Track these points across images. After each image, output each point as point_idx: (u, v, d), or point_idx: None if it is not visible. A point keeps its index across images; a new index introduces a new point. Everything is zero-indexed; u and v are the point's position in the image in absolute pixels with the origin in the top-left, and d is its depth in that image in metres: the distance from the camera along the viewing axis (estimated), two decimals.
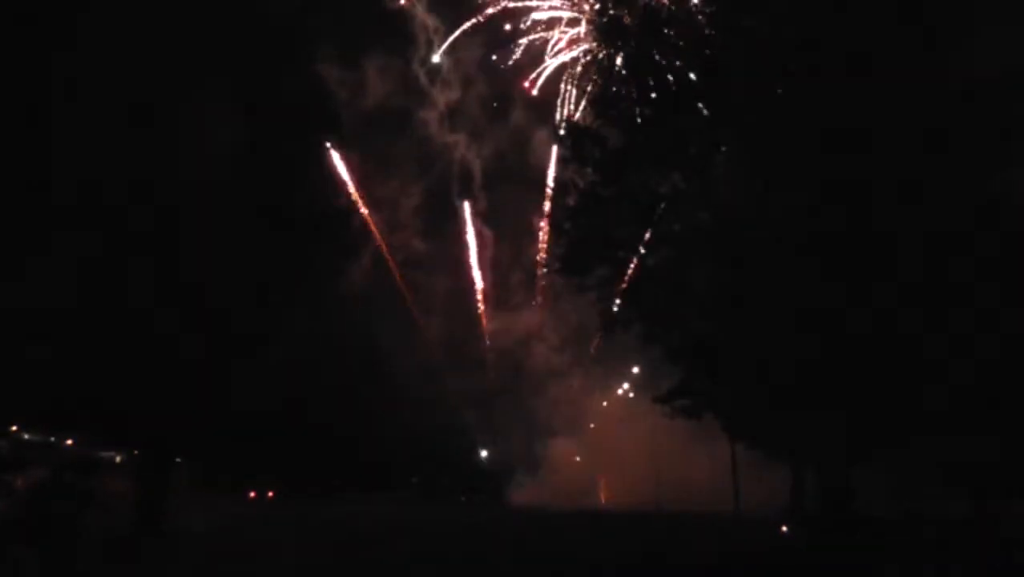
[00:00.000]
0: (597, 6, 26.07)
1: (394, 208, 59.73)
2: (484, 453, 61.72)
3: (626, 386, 54.61)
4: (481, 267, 61.35)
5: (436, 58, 56.78)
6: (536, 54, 54.87)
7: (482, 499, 55.70)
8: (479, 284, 60.77)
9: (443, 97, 59.29)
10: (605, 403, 56.22)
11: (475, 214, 60.52)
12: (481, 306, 61.54)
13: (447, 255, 61.21)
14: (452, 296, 61.10)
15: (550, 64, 54.98)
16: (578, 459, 56.44)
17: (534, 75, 55.01)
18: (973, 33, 17.73)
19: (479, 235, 61.05)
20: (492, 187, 60.54)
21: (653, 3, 22.71)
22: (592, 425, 57.34)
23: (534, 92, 55.07)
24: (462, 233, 61.35)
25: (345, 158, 53.28)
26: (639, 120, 22.38)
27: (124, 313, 22.02)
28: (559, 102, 54.51)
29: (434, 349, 59.41)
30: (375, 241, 58.55)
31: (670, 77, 22.14)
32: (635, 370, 51.58)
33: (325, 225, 26.98)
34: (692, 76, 21.73)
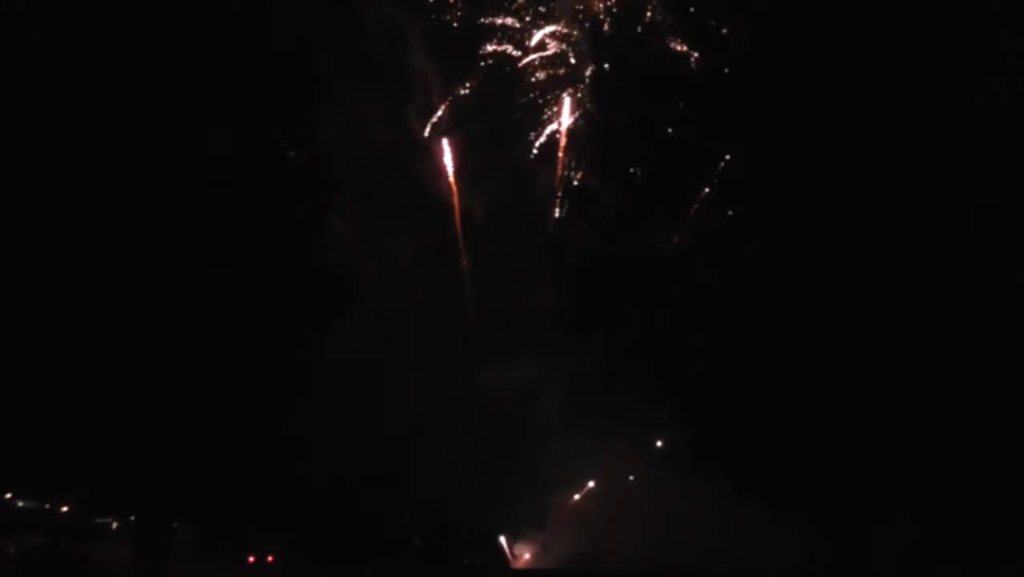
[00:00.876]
0: (594, 67, 26.52)
1: (391, 262, 59.41)
2: (486, 512, 60.22)
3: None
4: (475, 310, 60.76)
5: (429, 126, 57.16)
6: (536, 110, 55.47)
7: (485, 563, 54.54)
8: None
9: (439, 143, 59.38)
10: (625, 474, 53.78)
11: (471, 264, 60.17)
12: (474, 352, 60.66)
13: (444, 308, 60.90)
14: (449, 348, 60.54)
15: (550, 125, 55.49)
16: (588, 516, 54.76)
17: (532, 136, 55.58)
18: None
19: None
20: (491, 234, 60.29)
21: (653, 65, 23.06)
22: (601, 480, 55.70)
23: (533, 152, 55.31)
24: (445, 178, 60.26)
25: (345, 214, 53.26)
26: (639, 180, 22.59)
27: (121, 376, 21.89)
28: (559, 161, 54.86)
29: (430, 403, 58.48)
30: (370, 298, 58.06)
31: (670, 130, 22.35)
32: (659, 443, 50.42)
33: (324, 286, 27.00)
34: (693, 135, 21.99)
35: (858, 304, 18.15)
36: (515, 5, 52.14)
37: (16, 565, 27.81)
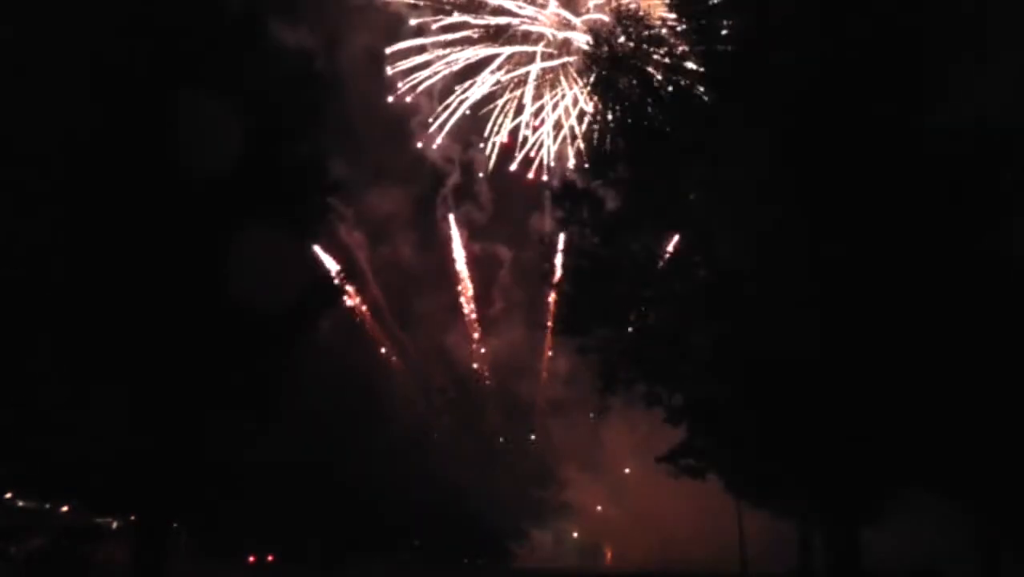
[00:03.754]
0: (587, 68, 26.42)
1: (393, 270, 59.69)
2: (486, 512, 59.79)
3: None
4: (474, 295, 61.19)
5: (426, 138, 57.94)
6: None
7: (485, 563, 54.58)
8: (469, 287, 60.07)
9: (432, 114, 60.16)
10: (628, 470, 52.98)
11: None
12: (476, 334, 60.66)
13: (443, 304, 61.25)
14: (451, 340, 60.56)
15: (545, 127, 55.89)
16: (599, 508, 54.14)
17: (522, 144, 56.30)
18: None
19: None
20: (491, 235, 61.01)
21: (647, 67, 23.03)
22: (601, 480, 55.15)
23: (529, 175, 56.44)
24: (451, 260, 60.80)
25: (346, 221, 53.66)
26: (635, 180, 22.55)
27: (119, 377, 21.93)
28: (557, 163, 55.23)
29: (430, 400, 58.40)
30: (368, 302, 58.18)
31: (667, 129, 22.29)
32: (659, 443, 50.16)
33: (321, 293, 26.95)
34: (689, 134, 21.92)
35: (857, 303, 18.14)
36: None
37: (18, 565, 27.91)
